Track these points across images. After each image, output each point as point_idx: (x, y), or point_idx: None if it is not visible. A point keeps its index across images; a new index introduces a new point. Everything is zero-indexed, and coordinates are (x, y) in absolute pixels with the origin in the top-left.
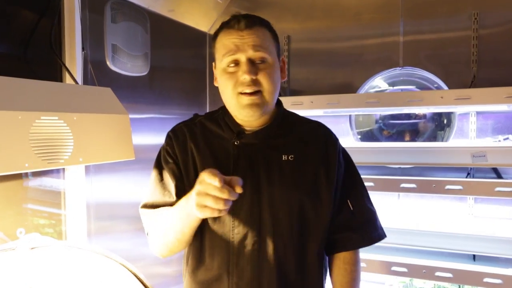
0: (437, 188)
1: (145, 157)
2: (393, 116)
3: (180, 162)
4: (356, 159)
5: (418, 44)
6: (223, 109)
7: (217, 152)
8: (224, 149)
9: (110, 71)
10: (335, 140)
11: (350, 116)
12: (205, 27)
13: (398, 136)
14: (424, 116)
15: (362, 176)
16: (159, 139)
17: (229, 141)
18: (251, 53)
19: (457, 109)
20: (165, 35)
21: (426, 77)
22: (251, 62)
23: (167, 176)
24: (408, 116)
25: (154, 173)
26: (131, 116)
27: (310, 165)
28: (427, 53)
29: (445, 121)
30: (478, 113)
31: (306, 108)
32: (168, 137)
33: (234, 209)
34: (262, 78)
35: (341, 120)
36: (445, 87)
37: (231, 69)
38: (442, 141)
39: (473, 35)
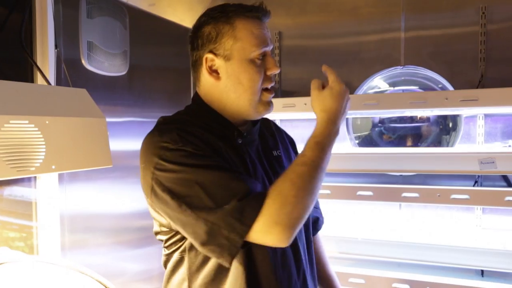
0: (442, 198)
1: (123, 164)
2: (394, 119)
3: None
4: (353, 166)
5: (421, 41)
6: (202, 109)
7: (229, 151)
8: (230, 147)
9: (86, 71)
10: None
11: (347, 119)
12: (189, 23)
13: (399, 141)
14: (428, 119)
15: (360, 185)
16: (139, 145)
17: (229, 140)
18: (271, 46)
19: (464, 112)
20: (145, 31)
21: (430, 77)
22: None
23: (225, 167)
24: (410, 119)
25: (209, 175)
26: (108, 119)
27: (289, 156)
28: (431, 50)
29: (450, 125)
30: (486, 115)
31: (299, 110)
32: (179, 136)
33: None
34: None
35: None
36: (450, 88)
37: (258, 62)
38: (447, 146)
39: (481, 31)
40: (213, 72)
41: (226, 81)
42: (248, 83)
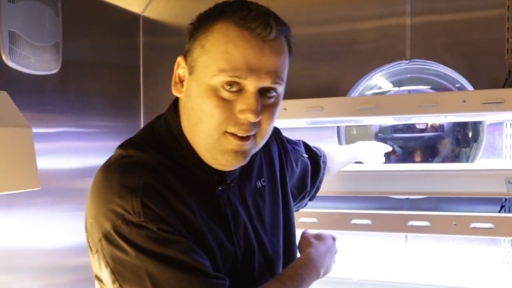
0: (460, 227)
1: (55, 187)
2: (399, 128)
3: (186, 236)
4: (346, 187)
5: (431, 28)
6: (176, 138)
7: (208, 206)
8: (209, 199)
9: (7, 68)
10: (279, 132)
11: (338, 128)
12: (137, 7)
13: (405, 155)
14: (441, 127)
15: (355, 211)
16: (76, 162)
17: (207, 187)
18: (266, 83)
19: (487, 118)
20: (82, 18)
21: (443, 74)
22: (259, 94)
23: (191, 263)
24: (420, 127)
25: (168, 271)
26: (35, 130)
27: (275, 180)
28: (444, 40)
29: (469, 134)
30: None
31: (278, 116)
32: (145, 206)
33: (242, 267)
34: (264, 118)
35: (326, 134)
36: (470, 87)
37: (225, 94)
38: (466, 161)
39: (508, 15)
40: (180, 82)
41: (185, 100)
42: (201, 114)
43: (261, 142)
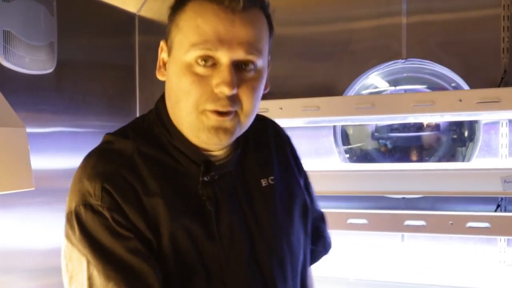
0: (456, 227)
1: (51, 187)
2: (395, 127)
3: (142, 234)
4: (343, 187)
5: (427, 28)
6: (165, 124)
7: (188, 199)
8: (192, 192)
9: (1, 68)
10: (287, 134)
11: (334, 127)
12: (133, 6)
13: (401, 154)
14: (437, 127)
15: (351, 211)
16: (71, 162)
17: (193, 178)
18: (240, 55)
19: (482, 117)
20: (78, 17)
21: (439, 73)
22: (234, 66)
23: (131, 264)
24: (415, 127)
25: (96, 271)
26: (29, 130)
27: (291, 183)
28: (440, 39)
29: (465, 134)
30: (511, 121)
31: (273, 116)
32: (105, 192)
33: (229, 271)
34: (244, 93)
35: (322, 133)
36: (466, 87)
37: (200, 69)
38: (462, 161)
39: (504, 14)
40: (163, 65)
41: (166, 82)
42: (179, 92)
43: (246, 121)
